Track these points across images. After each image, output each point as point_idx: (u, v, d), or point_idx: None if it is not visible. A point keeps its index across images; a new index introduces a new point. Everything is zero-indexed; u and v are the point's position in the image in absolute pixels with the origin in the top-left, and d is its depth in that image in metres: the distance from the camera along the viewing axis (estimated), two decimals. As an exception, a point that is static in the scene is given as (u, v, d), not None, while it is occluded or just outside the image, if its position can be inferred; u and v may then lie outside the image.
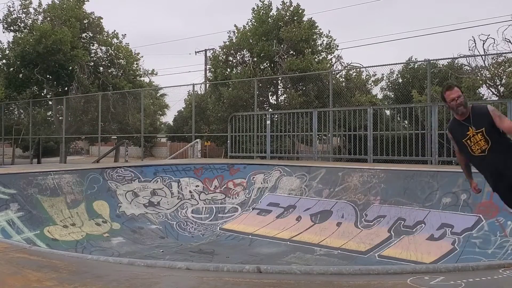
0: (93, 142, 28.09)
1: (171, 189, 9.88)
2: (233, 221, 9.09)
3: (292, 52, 18.61)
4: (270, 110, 17.60)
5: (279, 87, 19.07)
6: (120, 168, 9.79)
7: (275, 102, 18.96)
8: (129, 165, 10.64)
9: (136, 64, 25.20)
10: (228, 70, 20.12)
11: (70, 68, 23.12)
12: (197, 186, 10.10)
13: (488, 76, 14.26)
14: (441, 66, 14.53)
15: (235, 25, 20.46)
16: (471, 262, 4.85)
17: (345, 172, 8.82)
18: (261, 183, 9.81)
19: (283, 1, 19.33)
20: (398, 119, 13.12)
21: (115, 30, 25.67)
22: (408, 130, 11.58)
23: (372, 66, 19.67)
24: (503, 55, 13.83)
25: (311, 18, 19.47)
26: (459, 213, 6.94)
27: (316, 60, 18.41)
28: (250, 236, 8.22)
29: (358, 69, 17.17)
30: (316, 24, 19.35)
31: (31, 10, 23.62)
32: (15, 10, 23.39)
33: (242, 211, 9.30)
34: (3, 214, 7.19)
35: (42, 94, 24.96)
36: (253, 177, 10.01)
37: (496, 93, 14.37)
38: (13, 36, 23.24)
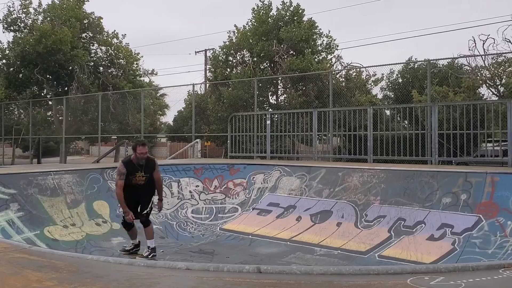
0: (93, 142, 28.08)
1: (171, 189, 9.88)
2: (233, 221, 9.08)
3: (292, 52, 18.61)
4: (270, 110, 17.60)
5: (279, 87, 19.07)
6: (120, 168, 9.76)
7: (275, 102, 18.96)
8: (129, 165, 10.61)
9: (136, 64, 25.19)
10: (228, 70, 20.12)
11: (70, 68, 23.12)
12: (197, 186, 10.09)
13: (488, 76, 14.27)
14: (441, 66, 14.54)
15: (235, 25, 20.49)
16: (471, 262, 4.85)
17: (345, 172, 8.81)
18: (261, 183, 9.80)
19: (283, 1, 19.34)
20: (398, 119, 13.12)
21: (115, 30, 25.68)
22: (408, 130, 11.57)
23: (372, 66, 19.68)
24: (503, 55, 13.84)
25: (311, 18, 19.52)
26: (459, 213, 6.94)
27: (316, 60, 18.42)
28: (250, 236, 8.22)
29: (358, 69, 17.16)
30: (316, 24, 19.37)
31: (31, 10, 23.61)
32: (15, 10, 23.38)
33: (242, 211, 9.30)
34: (3, 214, 7.19)
35: (42, 94, 24.96)
36: (253, 177, 10.01)
37: (496, 93, 14.38)
38: (13, 36, 23.24)
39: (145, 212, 6.75)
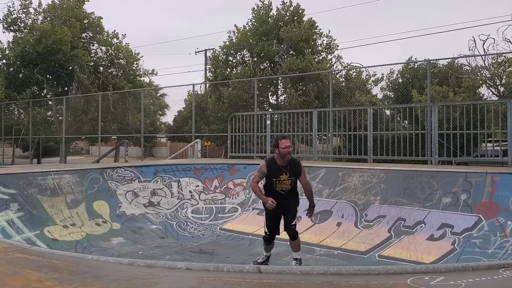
0: (93, 142, 28.09)
1: (171, 189, 9.88)
2: (233, 221, 9.08)
3: (292, 52, 18.62)
4: (270, 110, 17.60)
5: (279, 87, 19.07)
6: (120, 168, 9.78)
7: (275, 102, 18.96)
8: (129, 165, 10.63)
9: (136, 64, 25.21)
10: (228, 70, 20.12)
11: (70, 68, 23.12)
12: (197, 186, 10.09)
13: (488, 76, 14.27)
14: (441, 66, 14.54)
15: (235, 25, 20.50)
16: (471, 262, 4.85)
17: (345, 172, 8.81)
18: (261, 183, 9.79)
19: (283, 1, 19.34)
20: (398, 119, 13.12)
21: (115, 30, 25.71)
22: (408, 130, 11.57)
23: (372, 66, 19.67)
24: (503, 55, 13.83)
25: (311, 18, 19.53)
26: (459, 213, 6.94)
27: (316, 60, 18.42)
28: (250, 236, 8.22)
29: (358, 69, 17.16)
30: (316, 24, 19.38)
31: (31, 10, 23.62)
32: (15, 10, 23.40)
33: (242, 211, 9.30)
34: (3, 214, 7.19)
35: (42, 94, 24.96)
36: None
37: (496, 93, 14.38)
38: (13, 36, 23.24)
39: (293, 223, 5.74)
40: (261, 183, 6.00)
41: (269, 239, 5.92)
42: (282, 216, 5.81)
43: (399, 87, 17.24)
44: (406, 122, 13.00)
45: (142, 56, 26.06)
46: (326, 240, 7.52)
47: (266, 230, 5.90)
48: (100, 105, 19.23)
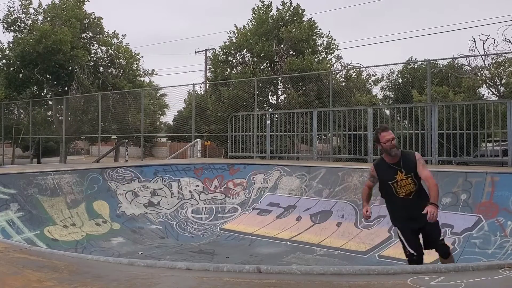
0: (93, 142, 28.10)
1: (171, 189, 9.88)
2: (233, 221, 9.08)
3: (292, 52, 18.62)
4: (270, 110, 17.60)
5: (279, 87, 19.07)
6: (120, 168, 9.78)
7: (275, 102, 18.96)
8: (129, 165, 10.63)
9: (136, 64, 25.23)
10: (228, 70, 20.13)
11: (70, 68, 23.13)
12: (197, 186, 10.09)
13: (488, 76, 14.28)
14: (441, 66, 14.55)
15: (235, 25, 20.51)
16: (471, 262, 4.84)
17: (345, 172, 8.81)
18: (261, 183, 9.80)
19: (283, 1, 19.35)
20: (398, 119, 13.12)
21: (115, 30, 25.73)
22: (408, 130, 11.57)
23: (372, 66, 19.70)
24: (503, 55, 13.85)
25: (311, 18, 19.54)
26: (459, 213, 6.94)
27: (316, 60, 18.43)
28: (250, 236, 8.22)
29: (358, 69, 17.17)
30: (316, 24, 19.39)
31: (31, 10, 23.64)
32: (15, 10, 23.42)
33: (242, 211, 9.30)
34: (3, 214, 7.19)
35: (42, 94, 24.97)
36: (253, 177, 10.01)
37: (496, 93, 14.39)
38: (13, 36, 23.26)
39: (441, 238, 4.50)
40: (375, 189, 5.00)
41: (418, 260, 4.48)
42: (420, 231, 4.54)
43: (399, 87, 17.26)
44: (406, 122, 13.01)
45: (142, 56, 26.12)
46: (326, 240, 7.52)
47: (411, 251, 4.51)
48: (100, 105, 19.23)
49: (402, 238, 4.60)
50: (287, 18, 19.25)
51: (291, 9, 19.34)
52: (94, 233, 7.98)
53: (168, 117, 46.56)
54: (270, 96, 19.29)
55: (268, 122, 13.01)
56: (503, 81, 14.15)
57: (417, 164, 4.55)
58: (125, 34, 26.68)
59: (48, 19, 22.92)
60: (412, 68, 17.68)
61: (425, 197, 4.46)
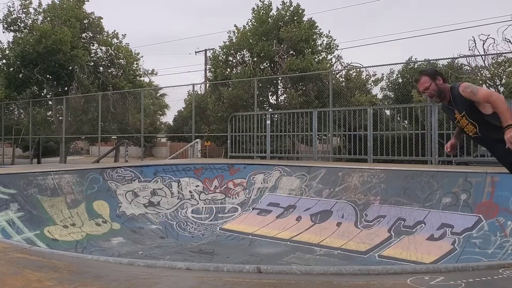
0: (93, 142, 28.10)
1: (171, 189, 9.87)
2: (233, 221, 9.08)
3: (292, 52, 18.63)
4: (270, 110, 17.61)
5: (279, 87, 19.08)
6: (120, 168, 9.78)
7: (275, 102, 18.97)
8: (129, 165, 10.63)
9: (136, 64, 25.24)
10: (228, 70, 20.13)
11: (70, 68, 23.14)
12: (197, 186, 10.09)
13: (488, 76, 14.29)
14: (441, 66, 14.54)
15: (235, 25, 20.52)
16: (471, 262, 4.85)
17: (345, 172, 8.81)
18: (261, 183, 9.80)
19: (283, 1, 19.35)
20: (398, 119, 13.13)
21: (115, 30, 25.76)
22: (408, 130, 11.57)
23: (372, 66, 19.70)
24: (503, 55, 13.85)
25: (311, 18, 19.55)
26: (459, 213, 6.94)
27: (316, 60, 18.44)
28: (250, 236, 8.21)
29: (358, 69, 17.17)
30: (316, 24, 19.40)
31: (31, 10, 23.66)
32: (15, 10, 23.43)
33: (242, 211, 9.29)
34: (3, 214, 7.19)
35: (42, 94, 24.97)
36: (253, 177, 10.00)
37: (496, 93, 14.38)
38: (13, 36, 23.28)
39: None
40: None
41: None
42: None
43: (399, 87, 17.26)
44: (406, 122, 13.01)
45: (142, 56, 26.17)
46: (326, 240, 7.51)
47: None
48: (100, 105, 19.24)
49: None
50: (287, 18, 19.25)
51: (291, 9, 19.35)
52: (94, 233, 7.97)
53: (168, 117, 46.57)
54: (270, 96, 19.30)
55: (268, 122, 13.01)
56: (503, 81, 14.16)
57: (468, 93, 3.76)
58: (125, 34, 26.73)
59: (48, 19, 22.92)
60: (412, 68, 17.66)
61: (496, 129, 3.60)
